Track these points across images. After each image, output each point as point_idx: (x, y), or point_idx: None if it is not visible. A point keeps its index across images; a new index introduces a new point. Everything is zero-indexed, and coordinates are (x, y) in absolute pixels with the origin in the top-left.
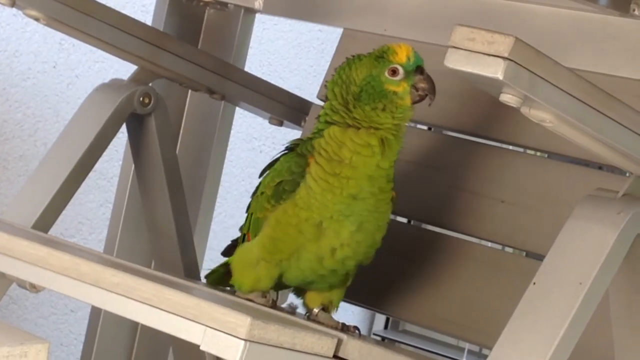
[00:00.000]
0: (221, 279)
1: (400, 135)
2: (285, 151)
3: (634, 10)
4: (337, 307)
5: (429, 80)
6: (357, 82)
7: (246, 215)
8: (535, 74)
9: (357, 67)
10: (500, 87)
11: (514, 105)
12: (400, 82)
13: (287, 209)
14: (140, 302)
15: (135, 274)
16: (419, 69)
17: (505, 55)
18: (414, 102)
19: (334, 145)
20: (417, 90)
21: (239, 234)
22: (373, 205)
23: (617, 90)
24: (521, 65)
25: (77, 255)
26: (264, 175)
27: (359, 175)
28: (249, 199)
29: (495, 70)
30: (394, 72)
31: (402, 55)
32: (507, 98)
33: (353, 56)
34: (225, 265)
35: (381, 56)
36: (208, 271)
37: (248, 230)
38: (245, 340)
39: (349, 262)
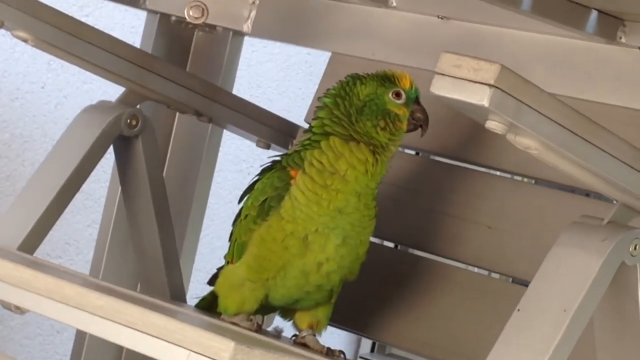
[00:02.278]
0: (209, 306)
1: (390, 157)
2: (260, 175)
3: (620, 37)
4: (325, 326)
5: (425, 112)
6: (361, 97)
7: (229, 243)
8: (521, 101)
9: (361, 83)
10: (486, 114)
11: (500, 132)
12: (401, 106)
13: (272, 224)
14: (124, 325)
15: (120, 297)
16: (417, 100)
17: (491, 82)
18: (408, 130)
19: (330, 156)
20: (413, 119)
21: (226, 256)
22: (357, 220)
23: (603, 118)
24: (507, 93)
25: (61, 277)
26: (245, 199)
27: (349, 189)
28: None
29: (481, 97)
30: (397, 95)
31: (406, 82)
32: (493, 125)
33: (355, 74)
34: (213, 293)
35: (387, 78)
36: (195, 294)
37: (232, 258)
38: None
39: (334, 276)
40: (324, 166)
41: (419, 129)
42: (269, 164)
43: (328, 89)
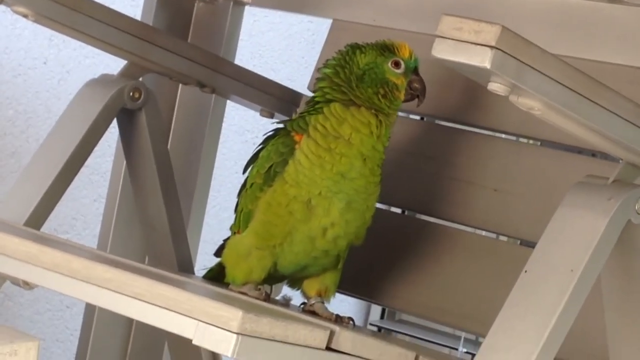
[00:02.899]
0: (217, 277)
1: (392, 122)
2: (263, 144)
3: None
4: (334, 293)
5: (422, 82)
6: (360, 66)
7: (235, 214)
8: (523, 62)
9: (361, 52)
10: (488, 76)
11: (502, 94)
12: (400, 76)
13: (277, 188)
14: (132, 297)
15: (127, 269)
16: (416, 70)
17: (492, 44)
18: (405, 100)
19: (333, 121)
20: (410, 89)
21: (232, 227)
22: (362, 186)
23: (606, 77)
24: (508, 54)
25: (68, 251)
26: (250, 169)
27: (353, 153)
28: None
29: (482, 59)
30: (396, 64)
31: (405, 52)
32: (495, 87)
33: (355, 44)
34: (221, 264)
35: (386, 47)
36: (202, 265)
37: (238, 228)
38: (237, 333)
39: (341, 241)
40: (328, 131)
41: (416, 99)
42: (271, 132)
43: (327, 60)
